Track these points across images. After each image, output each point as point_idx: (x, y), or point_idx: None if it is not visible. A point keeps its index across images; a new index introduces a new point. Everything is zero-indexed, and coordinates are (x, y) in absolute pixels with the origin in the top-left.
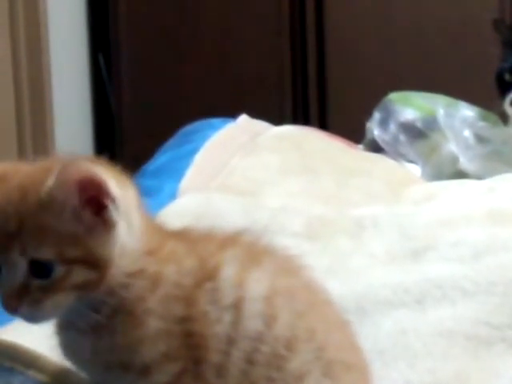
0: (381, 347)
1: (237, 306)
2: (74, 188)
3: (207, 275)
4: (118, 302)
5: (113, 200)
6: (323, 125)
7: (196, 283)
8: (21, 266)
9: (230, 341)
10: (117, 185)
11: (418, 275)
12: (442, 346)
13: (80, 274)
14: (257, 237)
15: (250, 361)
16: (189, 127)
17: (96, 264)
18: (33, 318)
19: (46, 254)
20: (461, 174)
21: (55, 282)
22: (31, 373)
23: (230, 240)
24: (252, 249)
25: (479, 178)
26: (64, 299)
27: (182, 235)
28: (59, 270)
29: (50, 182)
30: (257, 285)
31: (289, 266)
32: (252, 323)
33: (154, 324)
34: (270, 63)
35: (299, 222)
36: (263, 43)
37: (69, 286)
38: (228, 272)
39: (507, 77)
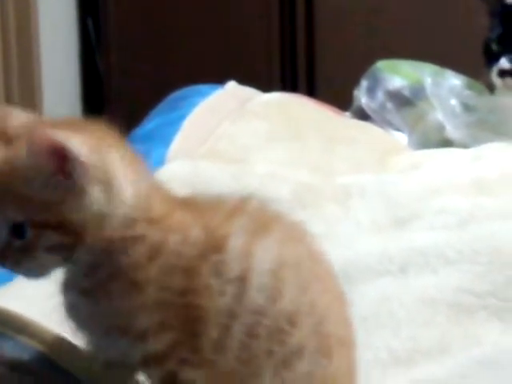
0: (364, 314)
1: (242, 279)
2: (43, 155)
3: (213, 247)
4: (115, 266)
5: (81, 165)
6: (311, 92)
7: (200, 255)
8: (2, 227)
9: (232, 315)
10: (92, 149)
11: (402, 243)
12: (424, 314)
13: (51, 238)
14: (263, 203)
15: (250, 335)
16: (177, 93)
17: (67, 229)
18: (19, 273)
19: (18, 217)
20: (447, 143)
21: (29, 244)
22: (22, 338)
23: (238, 209)
24: (260, 216)
25: (465, 146)
26: (43, 259)
27: (190, 204)
28: (30, 233)
29: (21, 150)
30: (264, 255)
31: (295, 234)
32: (257, 296)
33: (151, 293)
34: (259, 30)
35: (287, 189)
36: (252, 9)
37: (42, 248)
38: (235, 243)
39: (494, 47)
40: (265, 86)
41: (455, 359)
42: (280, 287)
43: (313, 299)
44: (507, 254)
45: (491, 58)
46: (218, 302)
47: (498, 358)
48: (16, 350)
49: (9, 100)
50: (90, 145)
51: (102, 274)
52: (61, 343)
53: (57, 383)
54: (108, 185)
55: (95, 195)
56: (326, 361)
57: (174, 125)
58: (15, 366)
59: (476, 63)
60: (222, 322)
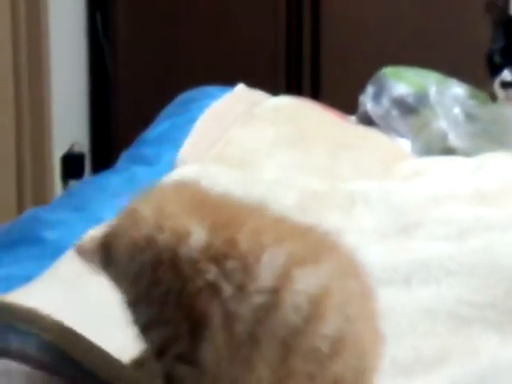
0: None
1: (274, 292)
2: None
3: (228, 253)
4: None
5: None
6: (316, 95)
7: (209, 258)
8: None
9: (256, 323)
10: None
11: (406, 253)
12: (426, 324)
13: None
14: (326, 232)
15: (284, 349)
16: (187, 94)
17: None
18: None
19: None
20: (449, 151)
21: None
22: (34, 330)
23: (293, 230)
24: (316, 243)
25: (467, 154)
26: None
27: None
28: None
29: None
30: (305, 279)
31: (351, 268)
32: (291, 315)
33: (142, 289)
34: (265, 34)
35: (293, 195)
36: (259, 14)
37: None
38: (272, 259)
39: (497, 58)
40: (270, 90)
41: (454, 370)
42: (321, 312)
43: (359, 333)
44: (505, 266)
45: (494, 70)
46: (229, 308)
47: (495, 370)
48: (27, 342)
49: (17, 93)
50: None
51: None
52: (71, 335)
53: (67, 375)
54: None
55: None
56: None
57: (185, 128)
58: (25, 359)
59: (480, 73)
60: (234, 329)
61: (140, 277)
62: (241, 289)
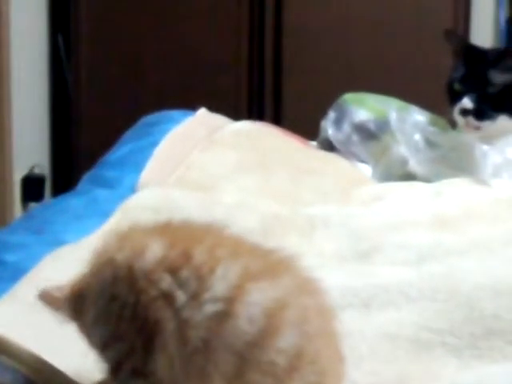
0: None
1: (227, 302)
2: None
3: (183, 264)
4: None
5: None
6: (278, 120)
7: (165, 269)
8: None
9: (209, 331)
10: None
11: (365, 278)
12: (385, 349)
13: None
14: (284, 253)
15: (239, 360)
16: (149, 118)
17: None
18: None
19: None
20: (409, 176)
21: None
22: (3, 359)
23: (250, 249)
24: (272, 262)
25: (427, 180)
26: None
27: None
28: None
29: None
30: (259, 292)
31: (308, 287)
32: (245, 325)
33: (101, 307)
34: (227, 58)
35: (254, 218)
36: (221, 37)
37: None
38: (227, 272)
39: (456, 86)
40: (232, 115)
41: None
42: (277, 326)
43: (317, 350)
44: (463, 291)
45: (454, 97)
46: (183, 315)
47: None
48: (4, 376)
49: None
50: None
51: None
52: (42, 365)
53: None
54: None
55: None
56: None
57: (146, 151)
58: None
59: (440, 100)
60: (187, 336)
61: (100, 296)
62: (194, 297)
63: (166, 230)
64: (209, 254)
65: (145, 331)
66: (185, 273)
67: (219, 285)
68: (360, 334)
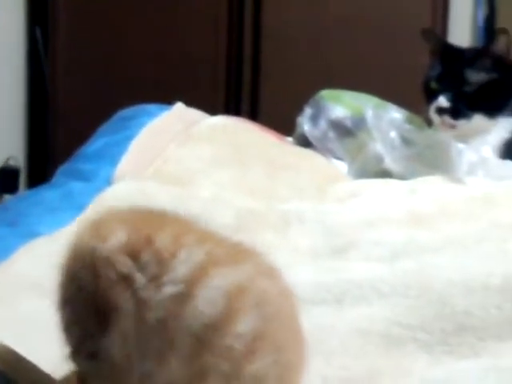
0: None
1: (188, 284)
2: None
3: (144, 248)
4: None
5: None
6: (254, 115)
7: (125, 253)
8: None
9: (168, 314)
10: None
11: (339, 274)
12: (357, 344)
13: None
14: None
15: (197, 343)
16: (125, 112)
17: None
18: None
19: None
20: (385, 174)
21: None
22: None
23: (214, 236)
24: (235, 248)
25: (402, 178)
26: None
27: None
28: None
29: None
30: (221, 277)
31: (269, 270)
32: (205, 307)
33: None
34: (206, 53)
35: (229, 214)
36: (199, 34)
37: None
38: (190, 256)
39: (433, 85)
40: (209, 109)
41: None
42: (236, 310)
43: (276, 334)
44: (435, 288)
45: (430, 96)
46: (141, 296)
47: None
48: None
49: None
50: None
51: None
52: (9, 355)
53: None
54: None
55: None
56: None
57: (122, 145)
58: None
59: (417, 99)
60: (145, 317)
61: (65, 282)
62: (154, 279)
63: (137, 217)
64: (172, 239)
65: (102, 313)
66: (145, 256)
67: (180, 268)
68: (332, 329)
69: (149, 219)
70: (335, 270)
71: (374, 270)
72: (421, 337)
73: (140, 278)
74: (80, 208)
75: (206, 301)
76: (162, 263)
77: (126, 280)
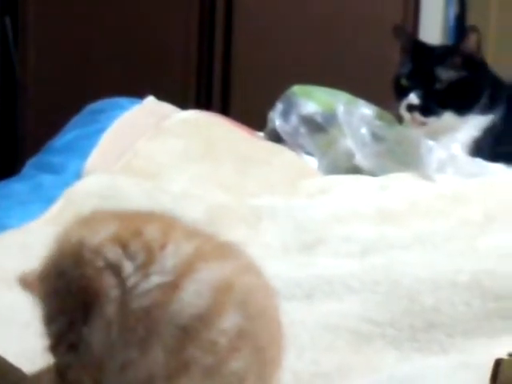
0: None
1: (177, 275)
2: None
3: (134, 239)
4: None
5: None
6: (225, 110)
7: (114, 243)
8: None
9: (155, 304)
10: None
11: (309, 269)
12: (326, 339)
13: None
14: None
15: (184, 335)
16: (96, 105)
17: None
18: None
19: None
20: (356, 170)
21: None
22: None
23: (201, 233)
24: (222, 245)
25: (373, 174)
26: None
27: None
28: None
29: None
30: (208, 270)
31: (253, 267)
32: (192, 300)
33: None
34: (177, 46)
35: (200, 208)
36: (170, 26)
37: None
38: (179, 249)
39: (404, 82)
40: (180, 103)
41: None
42: (222, 305)
43: (259, 332)
44: (404, 284)
45: (401, 93)
46: (127, 284)
47: None
48: None
49: None
50: None
51: None
52: None
53: None
54: None
55: None
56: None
57: (92, 138)
58: None
59: (387, 95)
60: (129, 305)
61: (52, 274)
62: (142, 268)
63: (125, 214)
64: (162, 233)
65: (87, 302)
66: (135, 246)
67: (169, 259)
68: (302, 324)
69: (138, 216)
70: (305, 265)
71: (344, 266)
72: (390, 333)
73: (128, 266)
74: (49, 201)
75: (193, 293)
76: (151, 253)
77: (114, 268)
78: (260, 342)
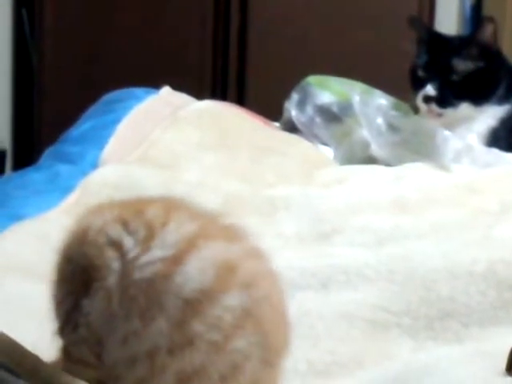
0: None
1: (178, 250)
2: None
3: (135, 217)
4: None
5: None
6: (241, 100)
7: (116, 221)
8: None
9: (153, 281)
10: None
11: (324, 259)
12: (342, 329)
13: None
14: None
15: (188, 309)
16: (112, 95)
17: None
18: None
19: None
20: (371, 160)
21: None
22: None
23: (206, 214)
24: (227, 227)
25: (388, 164)
26: None
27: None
28: None
29: None
30: (210, 251)
31: (258, 252)
32: (189, 280)
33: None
34: (193, 37)
35: (216, 198)
36: (187, 17)
37: None
38: (181, 227)
39: (420, 73)
40: (195, 93)
41: (369, 374)
42: (227, 283)
43: (263, 314)
44: (420, 274)
45: (417, 84)
46: (128, 257)
47: (408, 375)
48: None
49: None
50: None
51: None
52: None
53: None
54: None
55: None
56: (268, 370)
57: (108, 128)
58: None
59: (404, 85)
60: (129, 273)
61: (61, 259)
62: (142, 242)
63: (132, 199)
64: (164, 212)
65: (89, 278)
66: (135, 223)
67: (170, 235)
68: (317, 314)
69: (145, 200)
70: (321, 255)
71: (360, 256)
72: (405, 322)
73: (128, 241)
74: (66, 191)
75: (196, 268)
76: (152, 229)
77: (115, 243)
78: (264, 326)
